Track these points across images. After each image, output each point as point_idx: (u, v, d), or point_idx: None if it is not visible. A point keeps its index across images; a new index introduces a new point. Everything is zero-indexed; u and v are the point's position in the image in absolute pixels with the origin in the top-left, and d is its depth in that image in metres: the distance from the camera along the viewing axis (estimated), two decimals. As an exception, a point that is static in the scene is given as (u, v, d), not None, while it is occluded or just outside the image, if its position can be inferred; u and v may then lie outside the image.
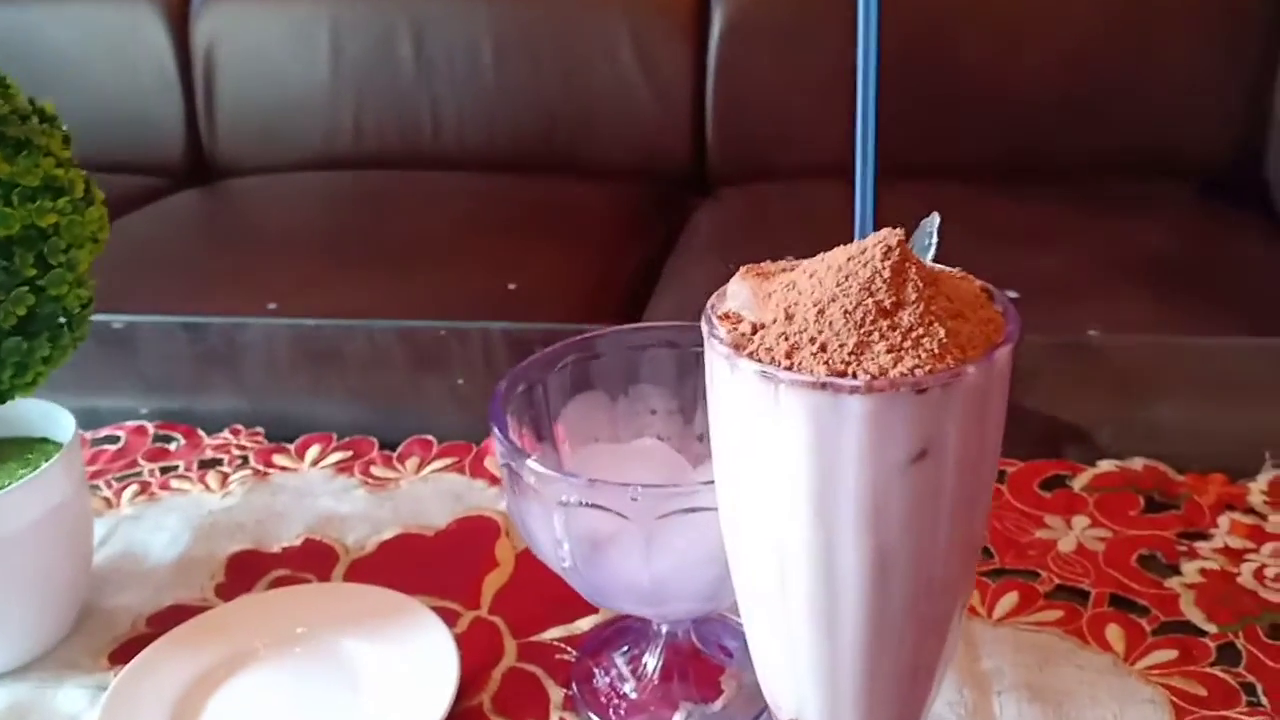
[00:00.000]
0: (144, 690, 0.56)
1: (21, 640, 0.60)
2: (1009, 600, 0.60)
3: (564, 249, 1.35)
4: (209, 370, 0.91)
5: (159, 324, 1.00)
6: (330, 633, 0.59)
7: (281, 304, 1.19)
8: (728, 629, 0.58)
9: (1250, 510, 0.66)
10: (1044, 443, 0.73)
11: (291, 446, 0.79)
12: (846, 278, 0.36)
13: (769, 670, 0.42)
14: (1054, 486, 0.69)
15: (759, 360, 0.35)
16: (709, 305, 0.39)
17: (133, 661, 0.58)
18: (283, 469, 0.77)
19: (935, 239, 0.40)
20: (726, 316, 0.38)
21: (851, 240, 0.38)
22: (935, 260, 0.39)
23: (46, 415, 0.63)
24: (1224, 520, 0.65)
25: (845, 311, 0.35)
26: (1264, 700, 0.53)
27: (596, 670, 0.57)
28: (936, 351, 0.34)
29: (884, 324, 0.35)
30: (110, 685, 0.57)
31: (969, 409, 0.35)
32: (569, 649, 0.59)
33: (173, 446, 0.80)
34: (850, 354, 0.34)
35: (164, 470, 0.78)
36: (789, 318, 0.36)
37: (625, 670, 0.56)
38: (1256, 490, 0.67)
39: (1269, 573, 0.61)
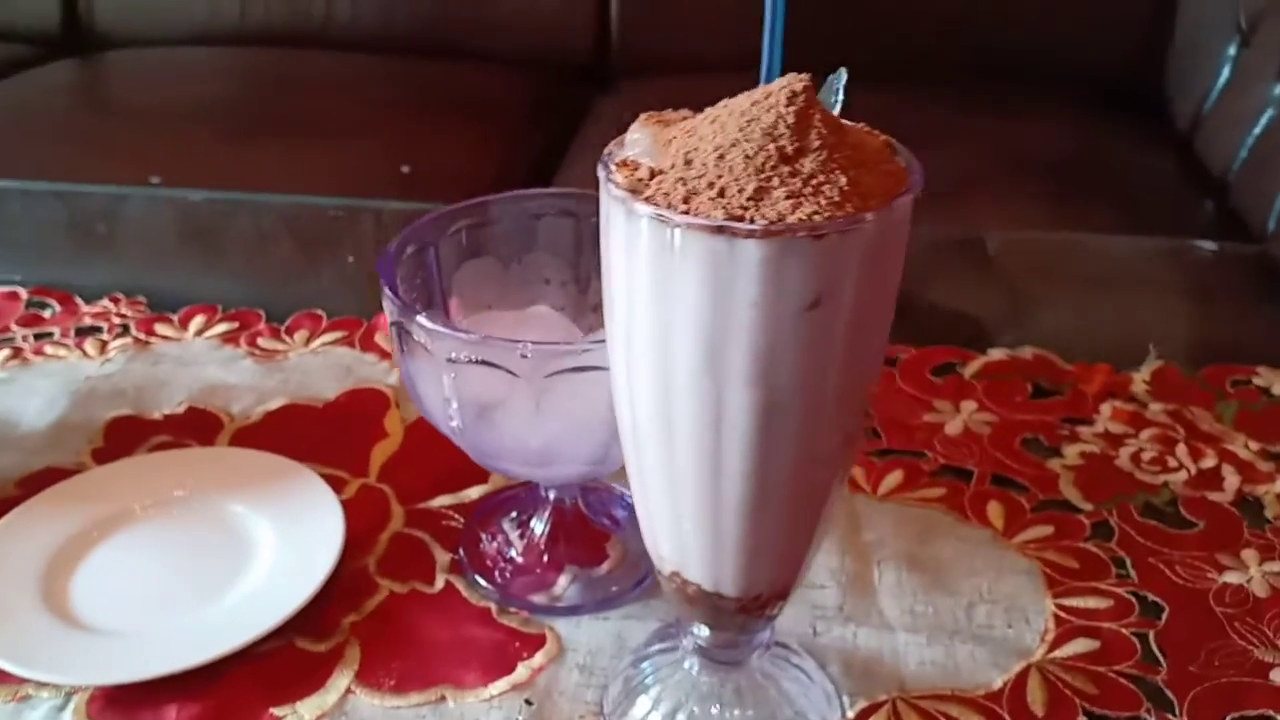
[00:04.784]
0: (12, 550, 0.54)
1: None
2: (894, 478, 0.61)
3: (459, 134, 1.30)
4: (90, 241, 0.87)
5: (36, 191, 0.95)
6: (212, 495, 0.58)
7: (164, 177, 1.14)
8: (615, 499, 0.58)
9: (1132, 398, 0.67)
10: (939, 335, 0.73)
11: (175, 316, 0.76)
12: (749, 122, 0.35)
13: (653, 523, 0.42)
14: (945, 373, 0.70)
15: (655, 205, 0.34)
16: (606, 152, 0.38)
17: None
18: (165, 339, 0.74)
19: (841, 95, 0.40)
20: (624, 164, 0.37)
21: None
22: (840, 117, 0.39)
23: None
24: (1106, 407, 0.67)
25: (746, 156, 0.34)
26: (1132, 573, 0.55)
27: (484, 535, 0.56)
28: (837, 199, 0.34)
29: (785, 170, 0.34)
30: (-25, 547, 0.55)
31: (866, 259, 0.35)
32: (457, 516, 0.58)
33: (47, 313, 0.77)
34: (749, 199, 0.34)
35: (38, 336, 0.74)
36: (688, 163, 0.35)
37: (512, 535, 0.56)
38: (1139, 380, 0.69)
39: (1145, 456, 0.63)
